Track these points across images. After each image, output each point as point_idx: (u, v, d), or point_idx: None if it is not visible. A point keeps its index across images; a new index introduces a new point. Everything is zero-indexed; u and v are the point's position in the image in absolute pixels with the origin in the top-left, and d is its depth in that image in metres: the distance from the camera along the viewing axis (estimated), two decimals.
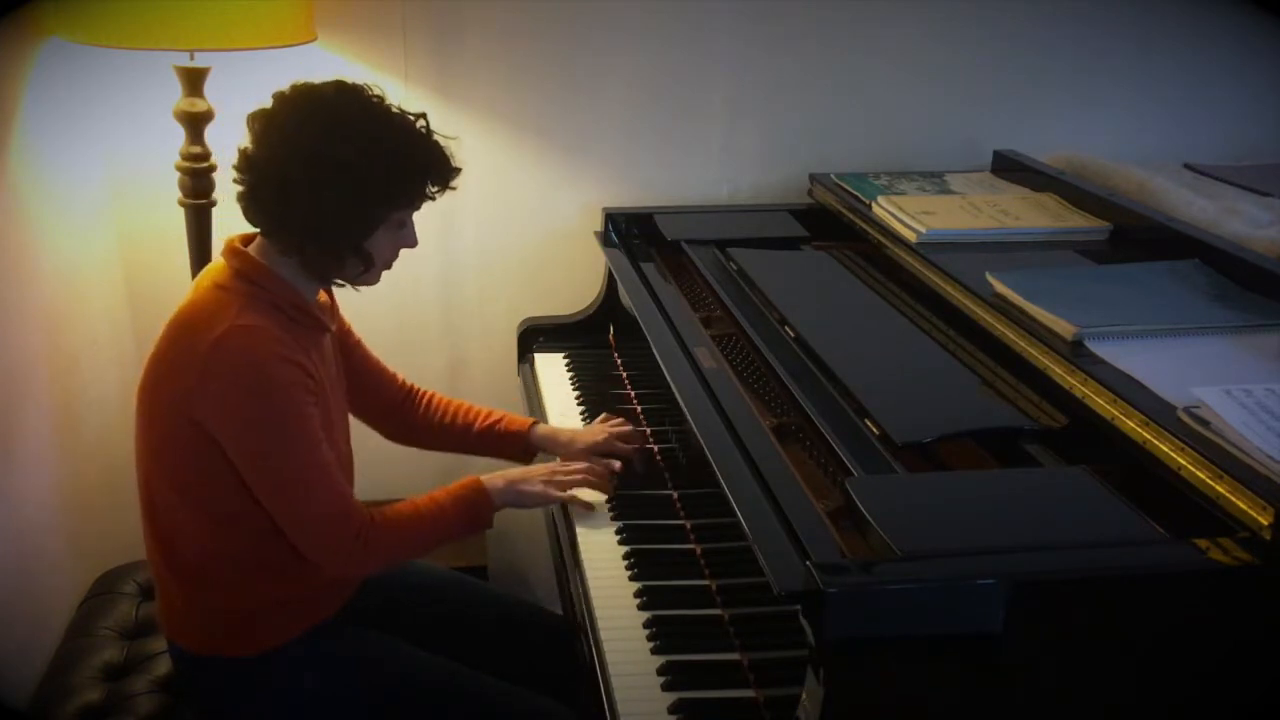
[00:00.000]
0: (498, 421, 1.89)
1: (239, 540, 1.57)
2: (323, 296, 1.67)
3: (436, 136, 1.57)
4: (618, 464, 1.79)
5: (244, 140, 1.54)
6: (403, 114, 1.55)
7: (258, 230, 1.58)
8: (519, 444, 1.89)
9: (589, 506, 1.75)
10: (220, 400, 1.48)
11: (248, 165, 1.53)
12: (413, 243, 1.62)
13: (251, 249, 1.58)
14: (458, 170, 1.59)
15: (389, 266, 1.62)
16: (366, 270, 1.59)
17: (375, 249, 1.57)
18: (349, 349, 1.80)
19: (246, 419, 1.49)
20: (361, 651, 1.66)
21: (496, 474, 1.72)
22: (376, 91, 1.55)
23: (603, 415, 1.92)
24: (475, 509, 1.67)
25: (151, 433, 1.57)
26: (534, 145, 2.42)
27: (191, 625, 1.64)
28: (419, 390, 1.91)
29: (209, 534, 1.57)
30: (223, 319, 1.49)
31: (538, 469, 1.76)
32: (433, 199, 1.59)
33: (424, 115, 1.57)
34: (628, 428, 1.88)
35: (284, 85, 1.54)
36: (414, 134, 1.55)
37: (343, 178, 1.48)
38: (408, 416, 1.89)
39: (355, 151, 1.48)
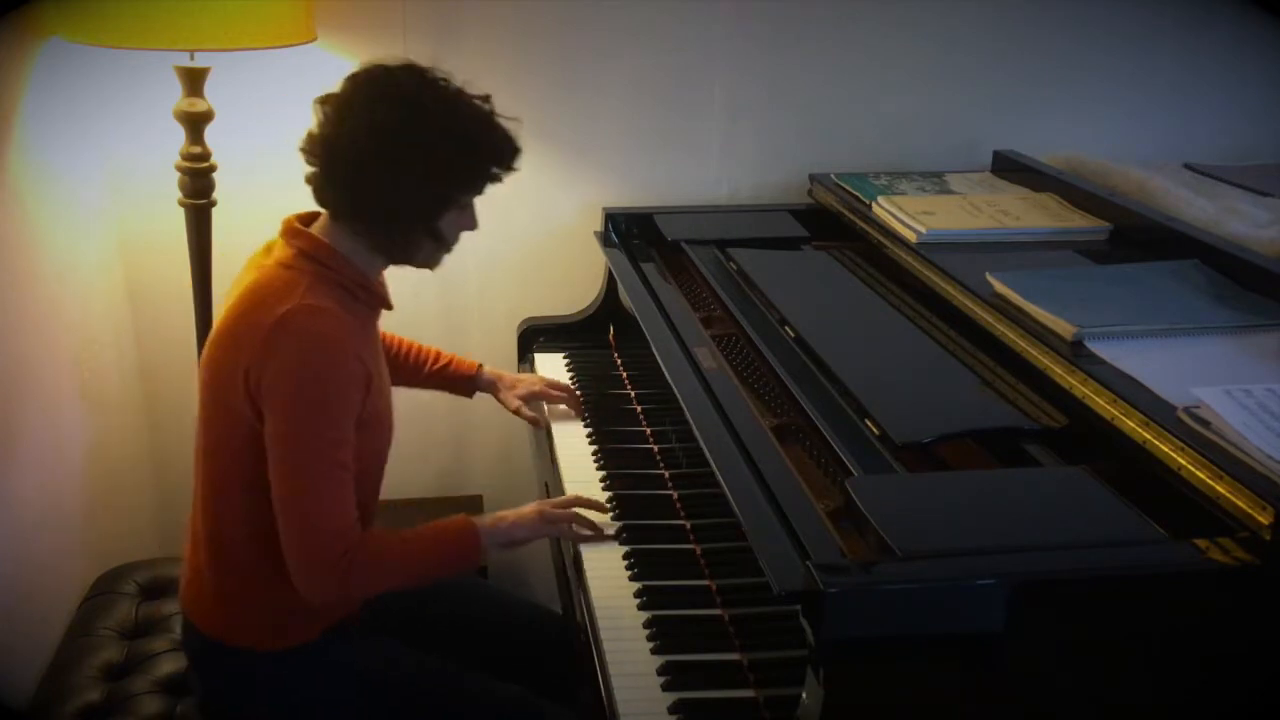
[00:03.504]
0: (448, 364, 2.00)
1: (278, 532, 1.54)
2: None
3: (500, 118, 1.58)
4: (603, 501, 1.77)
5: (312, 124, 1.55)
6: (471, 96, 1.56)
7: (320, 211, 1.59)
8: (467, 385, 2.02)
9: (584, 538, 1.70)
10: (276, 372, 1.47)
11: (320, 147, 1.54)
12: (473, 225, 1.64)
13: (315, 229, 1.58)
14: (519, 151, 1.60)
15: (450, 250, 1.64)
16: (437, 250, 1.61)
17: (446, 230, 1.59)
18: None
19: (297, 398, 1.48)
20: (364, 653, 1.66)
21: (486, 515, 1.66)
22: (443, 72, 1.56)
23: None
24: (464, 548, 1.62)
25: (212, 410, 1.57)
26: (534, 145, 2.39)
27: (222, 614, 1.63)
28: None
29: (259, 520, 1.55)
30: (291, 296, 1.49)
31: (527, 509, 1.69)
32: (499, 180, 1.60)
33: (488, 97, 1.58)
34: (562, 384, 2.02)
35: (357, 69, 1.55)
36: (482, 115, 1.56)
37: (419, 158, 1.50)
38: None
39: (430, 131, 1.50)
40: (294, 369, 1.48)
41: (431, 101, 1.52)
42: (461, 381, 2.02)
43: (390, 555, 1.57)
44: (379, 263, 1.61)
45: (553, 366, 2.25)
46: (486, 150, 1.56)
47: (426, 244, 1.59)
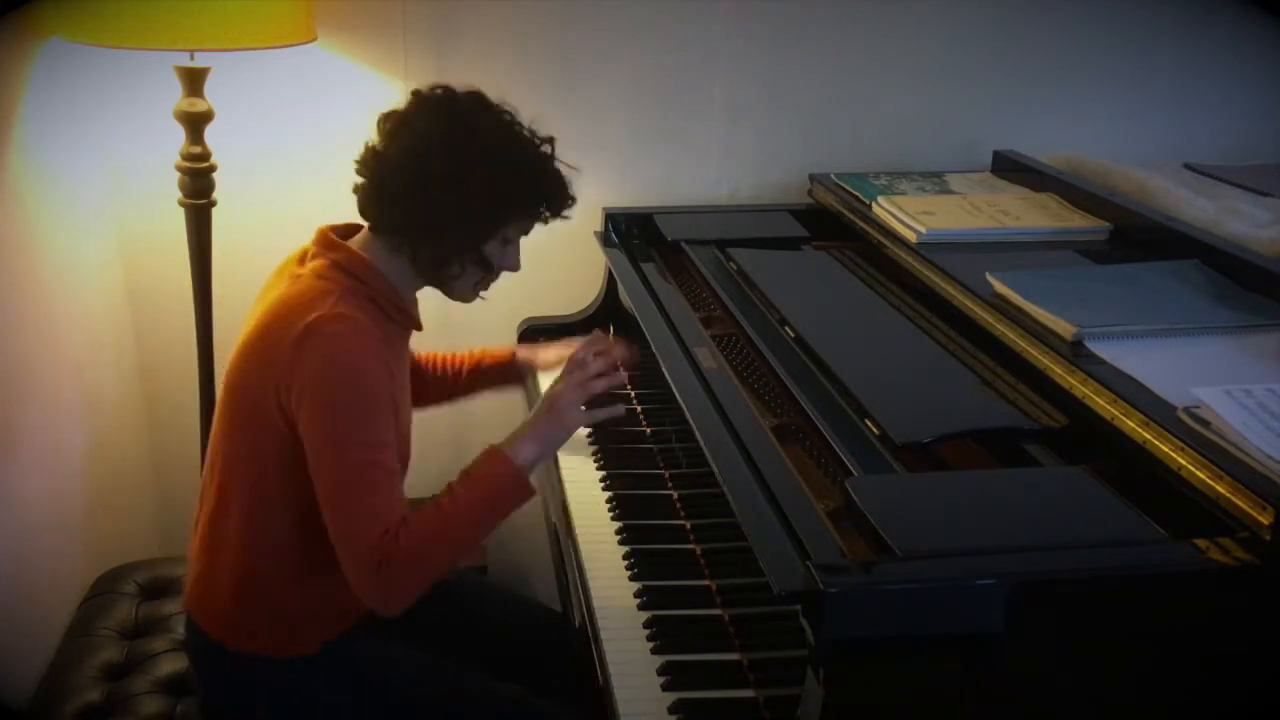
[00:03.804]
0: (481, 359, 1.97)
1: (304, 540, 1.54)
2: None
3: (559, 164, 1.59)
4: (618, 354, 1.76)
5: (372, 139, 1.57)
6: (533, 134, 1.58)
7: (357, 226, 1.60)
8: (510, 371, 1.98)
9: (620, 411, 1.70)
10: (306, 378, 1.47)
11: (374, 160, 1.55)
12: (515, 265, 1.64)
13: (354, 243, 1.58)
14: (573, 200, 1.61)
15: (487, 285, 1.64)
16: (476, 279, 1.61)
17: (491, 257, 1.59)
18: None
19: (329, 401, 1.47)
20: (365, 653, 1.66)
21: (514, 433, 1.61)
22: (508, 108, 1.58)
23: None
24: (506, 483, 1.54)
25: (236, 417, 1.56)
26: None
27: (230, 618, 1.62)
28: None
29: (287, 529, 1.55)
30: (321, 305, 1.49)
31: (546, 407, 1.63)
32: (544, 222, 1.61)
33: (551, 140, 1.60)
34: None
35: (421, 88, 1.56)
36: (541, 156, 1.58)
37: (471, 179, 1.51)
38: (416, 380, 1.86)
39: (485, 156, 1.52)
40: (323, 374, 1.47)
41: (490, 128, 1.54)
42: (502, 368, 1.98)
43: (433, 534, 1.48)
44: (416, 283, 1.61)
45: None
46: (539, 187, 1.57)
47: (468, 269, 1.59)
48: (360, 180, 1.57)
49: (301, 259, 1.60)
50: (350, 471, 1.47)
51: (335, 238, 1.59)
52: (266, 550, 1.58)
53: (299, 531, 1.55)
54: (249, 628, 1.62)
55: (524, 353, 2.00)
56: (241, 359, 1.56)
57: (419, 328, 1.66)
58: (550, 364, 1.96)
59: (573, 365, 1.68)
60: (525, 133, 1.58)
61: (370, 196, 1.56)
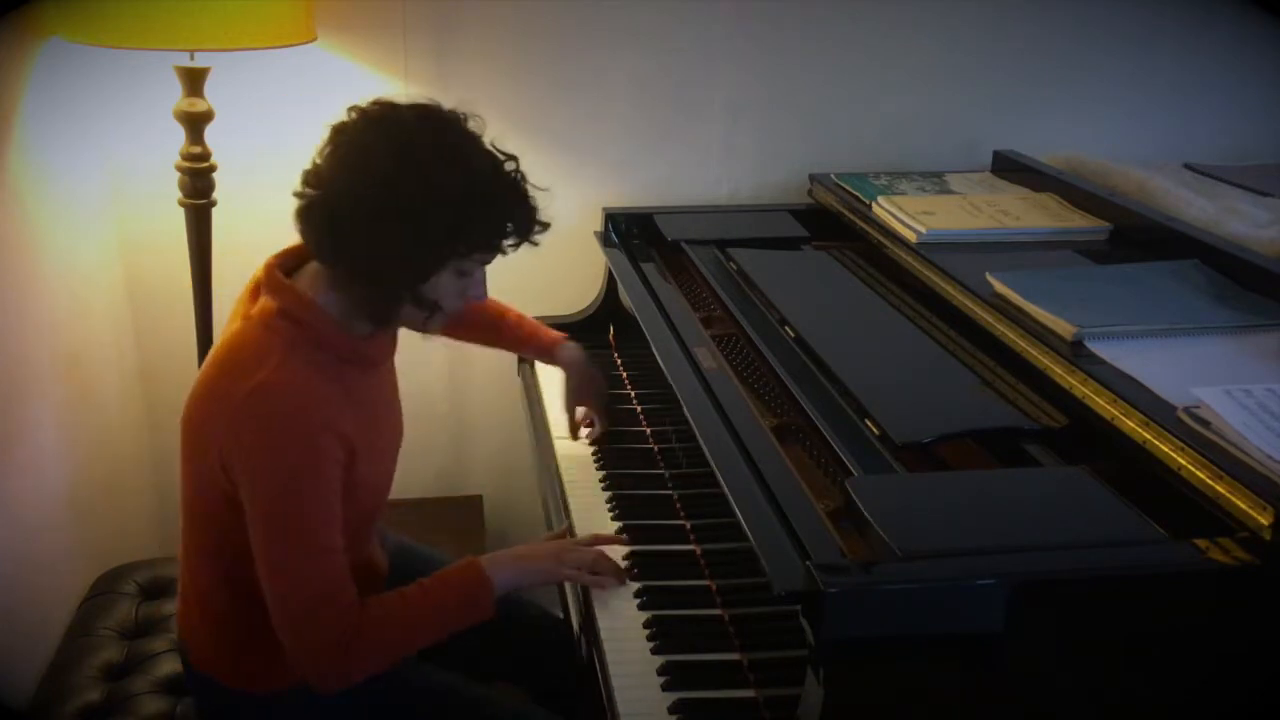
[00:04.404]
0: (529, 337, 1.97)
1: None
2: None
3: (527, 185, 1.45)
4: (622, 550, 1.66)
5: (318, 152, 1.43)
6: (492, 153, 1.42)
7: (303, 248, 1.47)
8: (545, 357, 1.99)
9: (603, 586, 1.58)
10: (245, 458, 1.39)
11: (315, 181, 1.41)
12: (481, 295, 1.50)
13: (304, 275, 1.47)
14: (543, 225, 1.46)
15: (448, 320, 1.50)
16: (430, 318, 1.47)
17: (438, 296, 1.44)
18: None
19: (264, 481, 1.39)
20: None
21: (498, 553, 1.58)
22: (471, 124, 1.42)
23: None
24: (474, 596, 1.51)
25: (191, 461, 1.48)
26: (534, 145, 2.41)
27: (209, 653, 1.59)
28: None
29: (236, 576, 1.48)
30: (262, 366, 1.38)
31: (543, 547, 1.62)
32: (506, 252, 1.46)
33: (515, 158, 1.45)
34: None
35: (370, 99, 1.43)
36: (496, 177, 1.41)
37: (403, 213, 1.35)
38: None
39: (423, 187, 1.35)
40: (262, 455, 1.38)
41: (431, 150, 1.37)
42: (540, 352, 1.99)
43: (393, 623, 1.45)
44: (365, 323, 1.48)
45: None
46: (487, 214, 1.41)
47: (409, 310, 1.44)
48: (298, 202, 1.42)
49: (254, 293, 1.49)
50: (290, 558, 1.39)
51: (279, 276, 1.46)
52: (226, 599, 1.53)
53: (249, 581, 1.45)
54: (226, 664, 1.58)
55: (569, 356, 1.96)
56: (192, 406, 1.47)
57: (378, 364, 1.53)
58: (569, 406, 1.99)
59: (594, 541, 1.63)
60: (483, 150, 1.41)
61: (302, 219, 1.42)
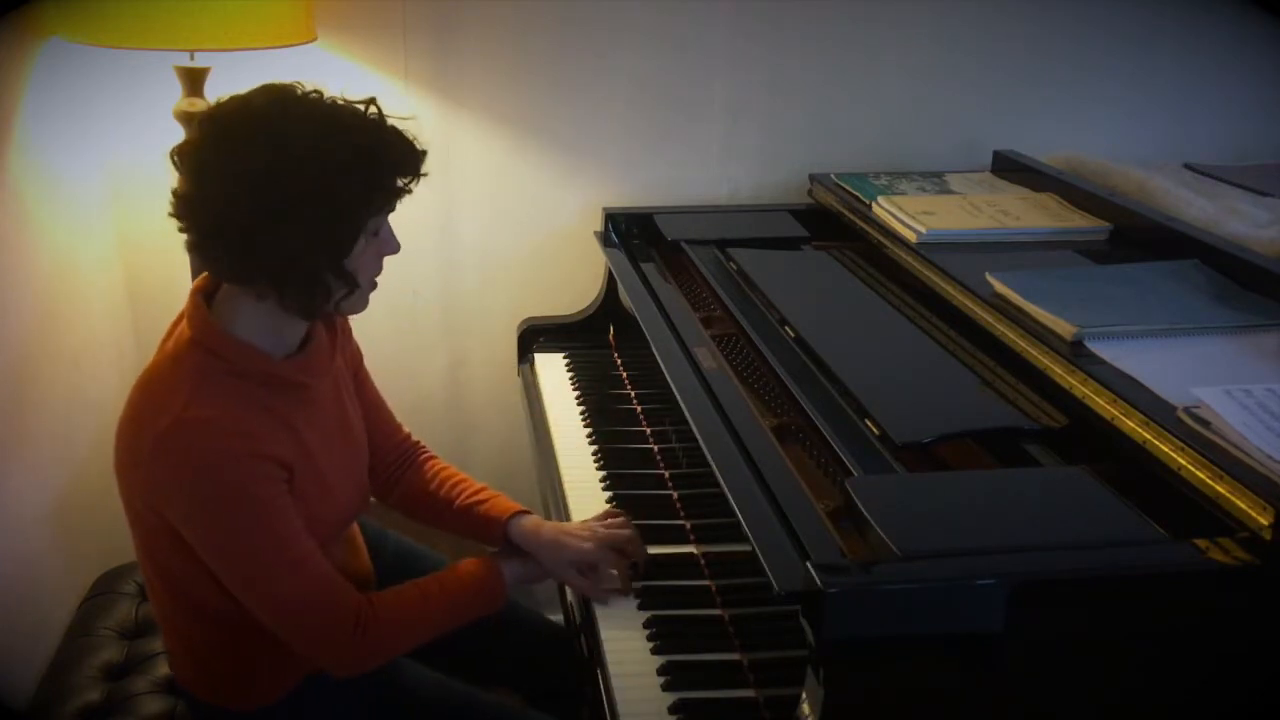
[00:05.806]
0: (481, 502, 1.67)
1: (230, 600, 1.43)
2: (320, 333, 1.50)
3: (392, 121, 1.38)
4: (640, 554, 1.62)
5: (174, 181, 1.36)
6: (350, 106, 1.36)
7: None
8: (496, 531, 1.65)
9: (604, 600, 1.57)
10: (169, 497, 1.35)
11: (189, 210, 1.34)
12: (394, 248, 1.43)
13: (218, 300, 1.42)
14: (423, 153, 1.39)
15: (375, 286, 1.44)
16: (350, 293, 1.40)
17: (358, 267, 1.38)
18: (358, 384, 1.65)
19: (197, 521, 1.35)
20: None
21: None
22: (311, 89, 1.36)
23: (604, 513, 1.69)
24: (488, 590, 1.56)
25: (129, 508, 1.45)
26: (534, 145, 2.42)
27: (190, 674, 1.59)
28: (422, 449, 1.76)
29: (192, 601, 1.47)
30: (171, 406, 1.32)
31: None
32: (407, 192, 1.40)
33: (373, 100, 1.38)
34: (626, 532, 1.61)
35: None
36: (368, 127, 1.35)
37: (303, 199, 1.30)
38: (401, 474, 1.72)
39: (304, 164, 1.29)
40: (187, 499, 1.34)
41: (298, 128, 1.31)
42: (490, 524, 1.65)
43: (410, 606, 1.50)
44: (294, 326, 1.43)
45: (553, 366, 2.25)
46: (377, 165, 1.35)
47: (340, 289, 1.38)
48: (183, 235, 1.36)
49: (179, 319, 1.45)
50: (263, 578, 1.38)
51: (199, 301, 1.41)
52: (199, 616, 1.50)
53: (206, 601, 1.45)
54: (207, 684, 1.57)
55: (527, 524, 1.65)
56: (116, 443, 1.42)
57: (312, 383, 1.46)
58: (565, 544, 1.64)
59: (593, 555, 1.57)
60: (342, 107, 1.35)
61: (200, 253, 1.36)
